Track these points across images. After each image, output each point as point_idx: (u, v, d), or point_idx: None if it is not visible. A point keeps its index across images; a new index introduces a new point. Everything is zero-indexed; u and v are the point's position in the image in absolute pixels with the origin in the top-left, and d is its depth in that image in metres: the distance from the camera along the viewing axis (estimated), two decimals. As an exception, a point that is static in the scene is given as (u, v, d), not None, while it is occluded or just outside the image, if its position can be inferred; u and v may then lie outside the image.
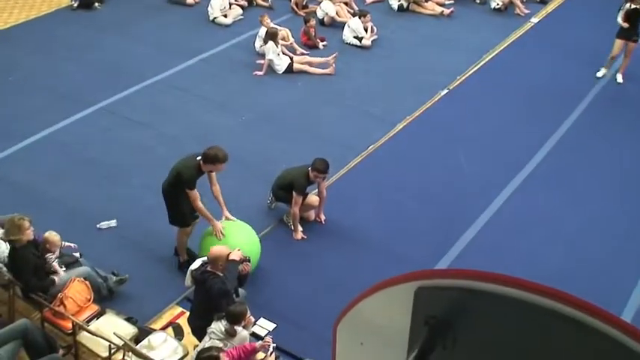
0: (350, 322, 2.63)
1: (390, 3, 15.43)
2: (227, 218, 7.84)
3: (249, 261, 6.62)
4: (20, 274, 6.81)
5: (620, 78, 12.21)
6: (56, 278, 6.98)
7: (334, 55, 12.39)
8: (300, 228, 8.38)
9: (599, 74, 12.30)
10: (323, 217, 8.83)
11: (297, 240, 8.37)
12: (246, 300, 6.80)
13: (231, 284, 6.39)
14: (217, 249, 6.51)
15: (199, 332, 6.48)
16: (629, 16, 11.66)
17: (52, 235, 7.04)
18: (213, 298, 6.28)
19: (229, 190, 9.18)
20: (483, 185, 9.45)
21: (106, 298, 7.32)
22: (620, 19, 11.72)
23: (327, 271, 7.82)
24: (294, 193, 8.27)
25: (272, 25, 12.88)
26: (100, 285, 7.25)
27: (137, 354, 6.20)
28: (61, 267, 7.12)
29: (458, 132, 10.70)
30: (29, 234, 6.81)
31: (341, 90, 11.89)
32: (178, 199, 7.49)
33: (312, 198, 8.66)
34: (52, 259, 7.03)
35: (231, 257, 6.48)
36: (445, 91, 11.94)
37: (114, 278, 7.41)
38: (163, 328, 7.02)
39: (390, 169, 9.79)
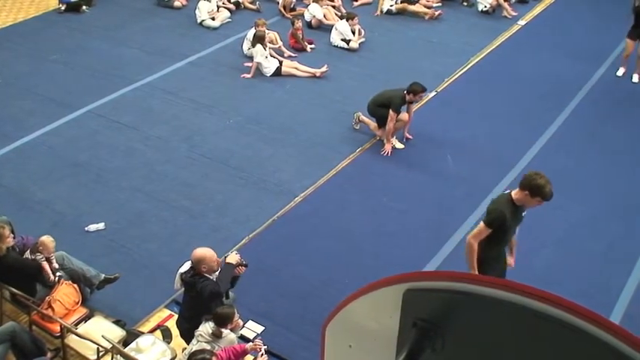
0: (339, 324, 2.62)
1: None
2: (508, 264, 6.76)
3: (245, 266, 6.59)
4: (25, 277, 6.77)
5: (636, 78, 12.31)
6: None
7: (323, 70, 12.40)
8: (392, 141, 10.21)
9: (619, 73, 12.42)
10: (409, 136, 10.52)
11: (388, 150, 10.10)
12: (235, 303, 6.78)
13: (224, 287, 6.36)
14: (200, 250, 6.40)
15: (188, 335, 6.45)
16: (636, 14, 11.74)
17: (49, 241, 6.95)
18: (205, 300, 6.25)
19: (216, 193, 9.22)
20: (471, 186, 9.46)
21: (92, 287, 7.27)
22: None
23: (315, 273, 7.82)
24: (390, 110, 9.87)
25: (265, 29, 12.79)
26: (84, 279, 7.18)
27: (125, 357, 6.17)
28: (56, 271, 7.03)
29: (446, 134, 10.72)
30: (9, 241, 6.72)
31: (329, 93, 11.89)
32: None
33: (404, 115, 10.24)
34: (42, 258, 6.92)
35: (228, 260, 6.45)
36: (433, 93, 11.95)
37: (102, 276, 7.32)
38: (152, 331, 7.00)
39: (378, 171, 9.80)
